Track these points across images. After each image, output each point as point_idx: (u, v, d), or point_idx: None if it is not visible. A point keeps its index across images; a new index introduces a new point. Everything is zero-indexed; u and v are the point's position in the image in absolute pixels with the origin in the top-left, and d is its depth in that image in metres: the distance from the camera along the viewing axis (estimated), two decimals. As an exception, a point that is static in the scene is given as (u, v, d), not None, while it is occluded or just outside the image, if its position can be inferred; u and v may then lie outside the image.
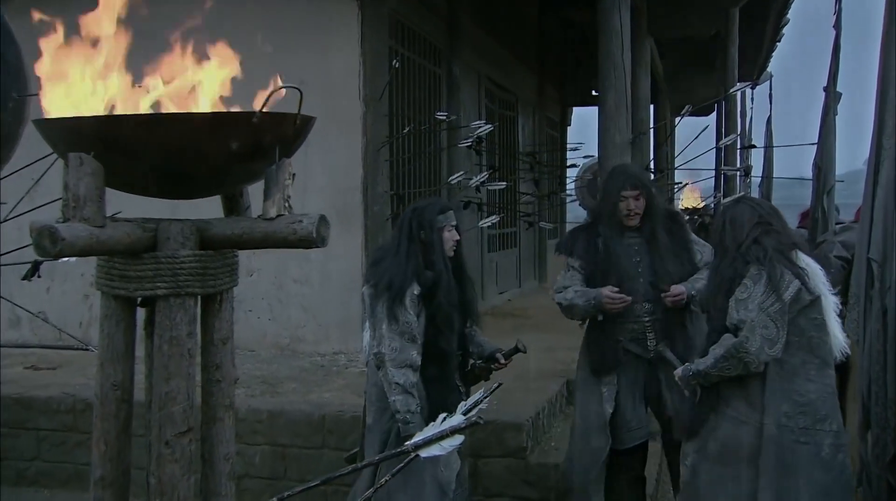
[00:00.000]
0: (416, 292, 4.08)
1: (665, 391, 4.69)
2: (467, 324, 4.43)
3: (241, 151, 2.54)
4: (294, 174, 2.72)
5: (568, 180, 15.03)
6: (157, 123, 2.49)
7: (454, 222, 4.27)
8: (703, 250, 4.79)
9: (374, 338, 4.11)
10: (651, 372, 4.74)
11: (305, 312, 8.02)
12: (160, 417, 2.54)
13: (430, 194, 9.11)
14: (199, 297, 2.61)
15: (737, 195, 8.58)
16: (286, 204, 2.66)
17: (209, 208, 2.97)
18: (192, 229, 2.61)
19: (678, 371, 4.03)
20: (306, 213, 2.66)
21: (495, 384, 3.78)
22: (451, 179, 7.81)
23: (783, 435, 3.67)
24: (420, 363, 4.09)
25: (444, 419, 2.86)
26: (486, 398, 3.01)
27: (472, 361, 4.47)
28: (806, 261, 3.85)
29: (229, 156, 2.54)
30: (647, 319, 4.69)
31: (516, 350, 4.51)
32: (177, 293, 2.53)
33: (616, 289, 4.61)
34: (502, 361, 4.44)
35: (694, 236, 4.90)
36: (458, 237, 4.28)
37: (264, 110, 2.53)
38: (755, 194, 13.30)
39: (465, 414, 2.93)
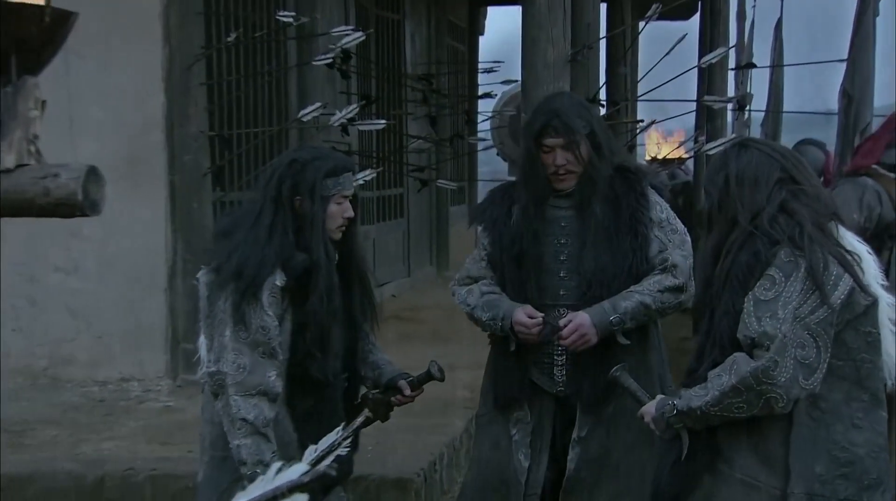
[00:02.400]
0: (278, 284, 4.05)
1: (579, 440, 4.66)
2: (358, 340, 4.42)
3: (-49, 63, 2.46)
4: (44, 102, 2.65)
5: (480, 118, 15.14)
6: None
7: (349, 191, 4.24)
8: (666, 240, 4.63)
9: (211, 350, 4.06)
10: (562, 413, 4.73)
11: (75, 318, 7.96)
12: None
13: (271, 137, 9.07)
14: None
15: (729, 138, 8.76)
16: (31, 148, 2.60)
17: None
18: None
19: (649, 409, 3.88)
20: (66, 163, 2.60)
21: (360, 418, 3.77)
22: (302, 114, 7.77)
23: None
24: (280, 389, 4.04)
25: (279, 470, 2.84)
26: (345, 439, 3.00)
27: (364, 389, 4.46)
28: (850, 241, 3.73)
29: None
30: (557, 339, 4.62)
31: (429, 377, 4.47)
32: None
33: (531, 314, 4.54)
34: (408, 391, 4.41)
35: (662, 215, 4.68)
36: (351, 214, 4.24)
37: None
38: (755, 135, 13.58)
39: (311, 464, 2.91)
